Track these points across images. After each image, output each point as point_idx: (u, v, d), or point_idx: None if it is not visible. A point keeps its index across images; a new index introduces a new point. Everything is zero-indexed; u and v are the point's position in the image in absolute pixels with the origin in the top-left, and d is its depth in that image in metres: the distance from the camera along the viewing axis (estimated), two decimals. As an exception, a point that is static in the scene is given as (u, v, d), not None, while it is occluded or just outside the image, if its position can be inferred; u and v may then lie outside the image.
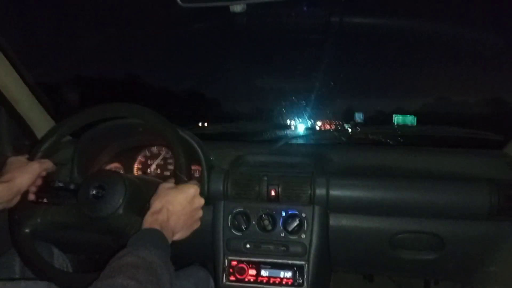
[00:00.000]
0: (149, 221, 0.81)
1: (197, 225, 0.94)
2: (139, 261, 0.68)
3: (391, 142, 1.47)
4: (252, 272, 1.11)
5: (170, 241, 0.81)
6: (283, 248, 1.10)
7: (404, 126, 1.36)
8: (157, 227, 0.79)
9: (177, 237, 0.87)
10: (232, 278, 1.12)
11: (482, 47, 1.64)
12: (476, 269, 1.16)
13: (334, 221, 1.13)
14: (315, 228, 1.10)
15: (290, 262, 1.10)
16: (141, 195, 0.94)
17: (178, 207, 0.86)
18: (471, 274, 1.19)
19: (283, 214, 1.11)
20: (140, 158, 1.34)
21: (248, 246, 1.12)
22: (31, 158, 0.99)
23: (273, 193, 1.09)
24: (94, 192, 0.90)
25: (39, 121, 1.38)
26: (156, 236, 0.78)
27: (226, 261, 1.13)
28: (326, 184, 1.09)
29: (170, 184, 0.93)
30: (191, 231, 0.92)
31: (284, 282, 1.09)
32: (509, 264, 1.10)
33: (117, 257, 0.69)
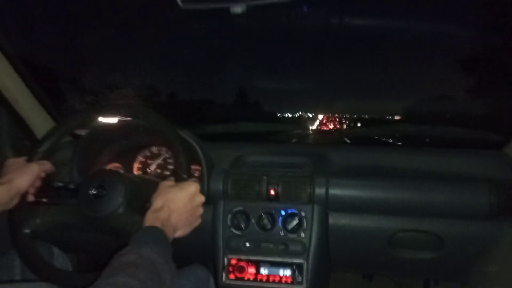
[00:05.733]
0: (150, 219, 0.81)
1: (198, 222, 0.94)
2: (140, 259, 0.68)
3: (392, 141, 1.48)
4: (252, 270, 1.11)
5: (171, 239, 0.81)
6: (282, 247, 1.10)
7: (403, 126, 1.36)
8: (158, 224, 0.79)
9: (179, 234, 0.87)
10: (232, 276, 1.12)
11: (482, 47, 1.64)
12: (476, 269, 1.16)
13: (334, 220, 1.13)
14: (315, 227, 1.10)
15: (289, 260, 1.10)
16: (141, 194, 0.94)
17: (179, 205, 0.86)
18: (471, 274, 1.19)
19: (283, 213, 1.12)
20: (140, 158, 1.34)
21: (247, 244, 1.12)
22: (29, 160, 0.99)
23: (272, 192, 1.10)
24: (94, 192, 0.90)
25: (39, 121, 1.38)
26: (158, 233, 0.78)
27: (226, 259, 1.13)
28: (325, 184, 1.09)
29: (170, 182, 0.93)
30: (192, 228, 0.92)
31: (283, 281, 1.09)
32: (509, 264, 1.10)
33: (118, 255, 0.70)
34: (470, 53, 1.70)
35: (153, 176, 1.28)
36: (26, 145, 1.39)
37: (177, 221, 0.85)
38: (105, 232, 0.91)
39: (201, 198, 0.94)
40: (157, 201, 0.85)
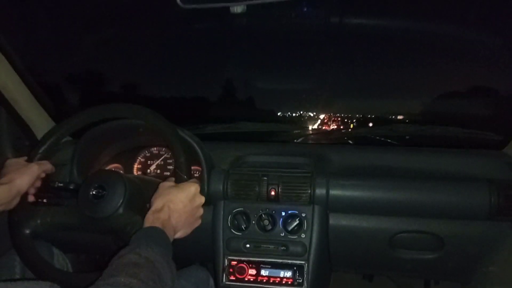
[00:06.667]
0: (150, 220, 0.81)
1: (198, 223, 0.94)
2: (141, 259, 0.68)
3: (392, 141, 1.47)
4: (252, 271, 1.11)
5: (171, 239, 0.81)
6: (283, 248, 1.10)
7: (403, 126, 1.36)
8: (158, 225, 0.79)
9: (179, 235, 0.87)
10: (232, 277, 1.12)
11: (482, 47, 1.64)
12: (476, 269, 1.16)
13: (334, 220, 1.13)
14: (315, 227, 1.10)
15: (290, 261, 1.10)
16: (141, 194, 0.95)
17: (179, 205, 0.86)
18: (471, 274, 1.19)
19: (283, 214, 1.12)
20: (140, 158, 1.34)
21: (248, 246, 1.12)
22: (29, 160, 0.99)
23: (273, 193, 1.09)
24: (94, 192, 0.90)
25: (39, 121, 1.38)
26: (158, 234, 0.78)
27: (226, 261, 1.13)
28: (326, 184, 1.09)
29: (170, 182, 0.93)
30: (192, 229, 0.92)
31: (284, 282, 1.09)
32: (509, 264, 1.10)
33: (119, 256, 0.70)
34: (470, 53, 1.69)
35: (153, 176, 1.28)
36: (26, 145, 1.39)
37: (177, 221, 0.85)
38: (105, 232, 0.92)
39: (201, 199, 0.94)
40: (157, 202, 0.86)
